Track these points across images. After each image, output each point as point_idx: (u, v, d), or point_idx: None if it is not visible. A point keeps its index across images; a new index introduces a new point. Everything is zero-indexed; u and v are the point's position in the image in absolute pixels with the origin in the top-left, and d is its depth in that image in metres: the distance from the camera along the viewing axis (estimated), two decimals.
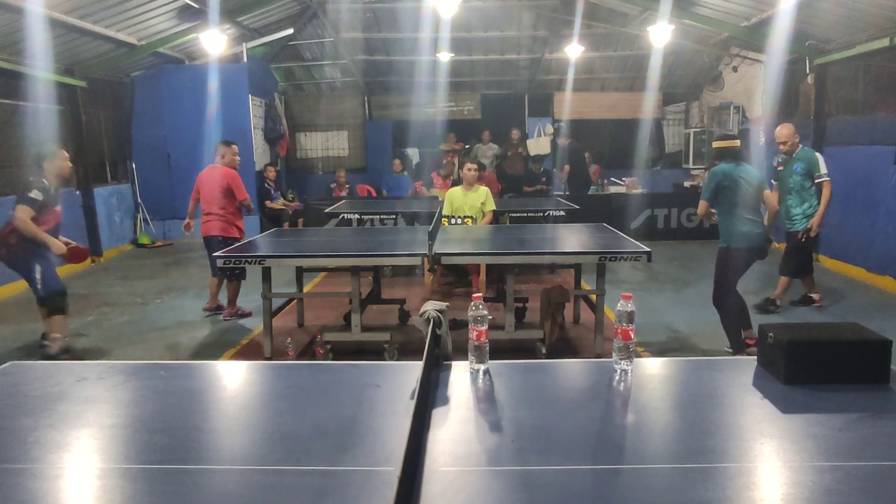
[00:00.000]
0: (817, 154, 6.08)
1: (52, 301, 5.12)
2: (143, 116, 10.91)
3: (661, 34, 9.49)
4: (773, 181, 6.26)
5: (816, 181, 5.93)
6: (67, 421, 1.83)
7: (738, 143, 5.00)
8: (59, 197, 5.19)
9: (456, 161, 11.58)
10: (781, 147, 6.06)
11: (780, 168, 6.19)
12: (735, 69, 11.52)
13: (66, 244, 5.07)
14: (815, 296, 6.42)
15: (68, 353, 5.17)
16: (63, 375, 2.19)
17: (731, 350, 4.95)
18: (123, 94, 10.87)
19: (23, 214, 4.88)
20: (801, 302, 6.47)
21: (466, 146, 12.55)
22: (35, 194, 4.94)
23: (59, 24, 7.58)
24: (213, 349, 5.45)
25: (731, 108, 11.47)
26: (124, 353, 5.36)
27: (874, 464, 1.52)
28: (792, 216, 6.06)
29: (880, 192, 7.34)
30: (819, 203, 5.92)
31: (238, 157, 6.49)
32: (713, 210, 4.90)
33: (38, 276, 5.03)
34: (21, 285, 7.60)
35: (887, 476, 1.48)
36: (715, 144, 5.12)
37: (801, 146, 6.08)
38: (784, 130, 6.06)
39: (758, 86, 10.70)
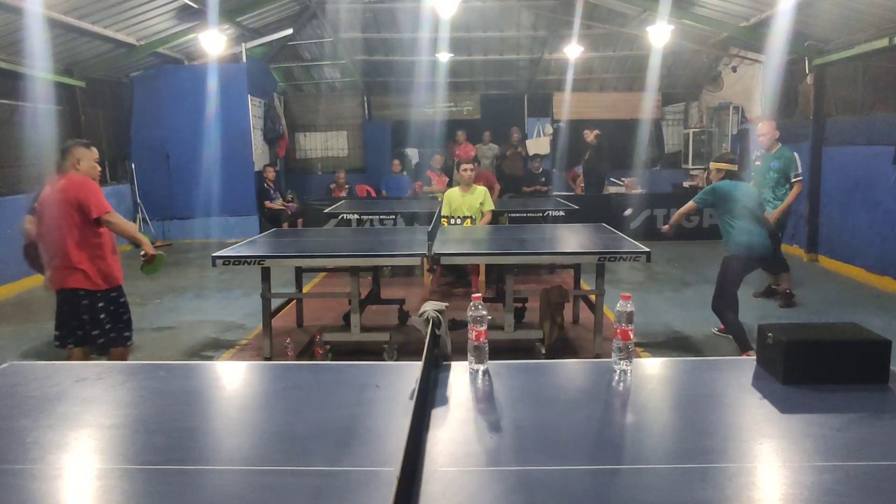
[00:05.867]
0: (795, 154, 6.27)
1: None
2: (143, 117, 10.90)
3: (660, 34, 9.48)
4: (752, 174, 6.48)
5: (792, 180, 6.15)
6: (66, 421, 1.83)
7: (735, 167, 5.18)
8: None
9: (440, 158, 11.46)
10: (759, 140, 6.38)
11: (758, 162, 6.44)
12: (734, 69, 11.52)
13: None
14: (778, 288, 6.56)
15: None
16: (62, 376, 2.19)
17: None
18: (122, 94, 10.86)
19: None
20: (764, 294, 6.65)
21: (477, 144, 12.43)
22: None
23: (57, 24, 7.58)
24: (212, 349, 5.45)
25: (731, 108, 11.47)
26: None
27: (873, 464, 1.53)
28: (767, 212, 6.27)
29: (879, 192, 7.34)
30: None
31: (99, 167, 4.26)
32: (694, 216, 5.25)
33: None
34: (17, 286, 7.62)
35: (886, 476, 1.48)
36: (715, 166, 5.22)
37: (780, 144, 6.32)
38: (764, 126, 6.38)
39: (757, 86, 10.70)
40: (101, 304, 4.09)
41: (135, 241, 4.33)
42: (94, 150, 4.20)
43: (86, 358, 4.15)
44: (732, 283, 4.98)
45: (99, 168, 4.23)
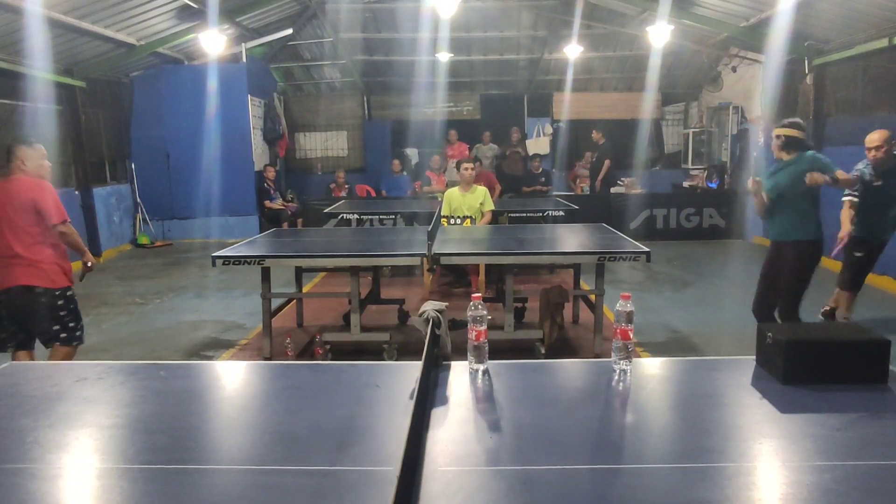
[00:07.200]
0: None
1: None
2: (143, 116, 10.91)
3: (660, 34, 9.49)
4: (851, 196, 5.38)
5: None
6: (66, 421, 1.83)
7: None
8: None
9: (439, 158, 11.46)
10: (875, 154, 5.15)
11: (878, 183, 5.23)
12: (734, 69, 11.52)
13: None
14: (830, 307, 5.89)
15: None
16: (62, 375, 2.19)
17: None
18: (122, 94, 10.87)
19: None
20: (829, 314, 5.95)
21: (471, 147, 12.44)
22: None
23: (58, 24, 7.58)
24: (212, 349, 5.45)
25: (730, 108, 11.48)
26: (123, 353, 5.36)
27: (872, 463, 1.53)
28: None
29: None
30: None
31: (48, 164, 4.04)
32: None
33: None
34: None
35: (886, 476, 1.48)
36: (784, 132, 4.66)
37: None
38: (877, 135, 5.18)
39: (757, 86, 10.70)
40: (60, 302, 3.97)
41: (81, 252, 4.14)
42: (40, 147, 3.95)
43: (30, 359, 4.01)
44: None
45: (49, 165, 4.02)
